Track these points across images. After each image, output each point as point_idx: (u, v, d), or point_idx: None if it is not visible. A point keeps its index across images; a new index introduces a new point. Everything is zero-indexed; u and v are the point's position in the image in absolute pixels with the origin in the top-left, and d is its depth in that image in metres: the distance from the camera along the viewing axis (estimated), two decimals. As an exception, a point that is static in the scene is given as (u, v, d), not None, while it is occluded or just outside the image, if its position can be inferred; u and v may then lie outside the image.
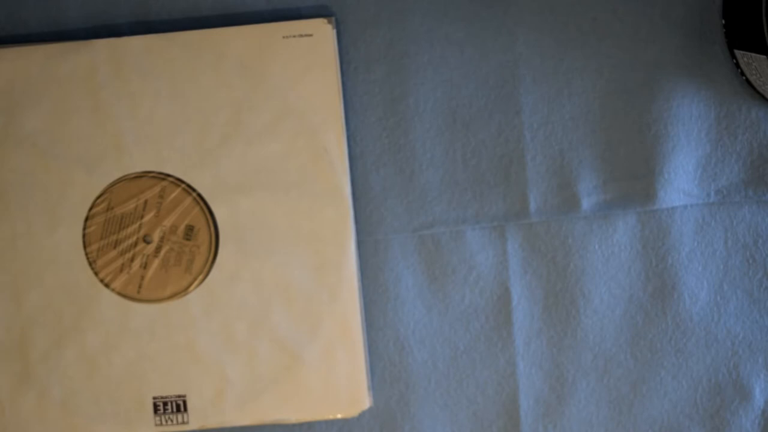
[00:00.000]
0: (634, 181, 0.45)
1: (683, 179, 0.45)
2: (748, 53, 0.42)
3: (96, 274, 0.44)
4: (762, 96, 0.44)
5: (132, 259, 0.44)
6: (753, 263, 0.46)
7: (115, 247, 0.44)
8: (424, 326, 0.46)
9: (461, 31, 0.45)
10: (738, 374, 0.46)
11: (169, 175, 0.44)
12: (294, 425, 0.46)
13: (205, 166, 0.44)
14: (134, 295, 0.44)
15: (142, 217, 0.44)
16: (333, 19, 0.44)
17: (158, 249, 0.44)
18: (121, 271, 0.44)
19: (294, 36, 0.44)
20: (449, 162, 0.45)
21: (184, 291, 0.44)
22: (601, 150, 0.45)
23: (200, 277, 0.44)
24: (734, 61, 0.44)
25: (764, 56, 0.41)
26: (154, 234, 0.44)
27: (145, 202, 0.44)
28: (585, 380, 0.46)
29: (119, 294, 0.44)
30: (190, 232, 0.44)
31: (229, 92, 0.44)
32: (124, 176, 0.44)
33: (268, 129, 0.44)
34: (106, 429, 0.44)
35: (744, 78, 0.44)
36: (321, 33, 0.44)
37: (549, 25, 0.45)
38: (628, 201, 0.45)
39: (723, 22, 0.44)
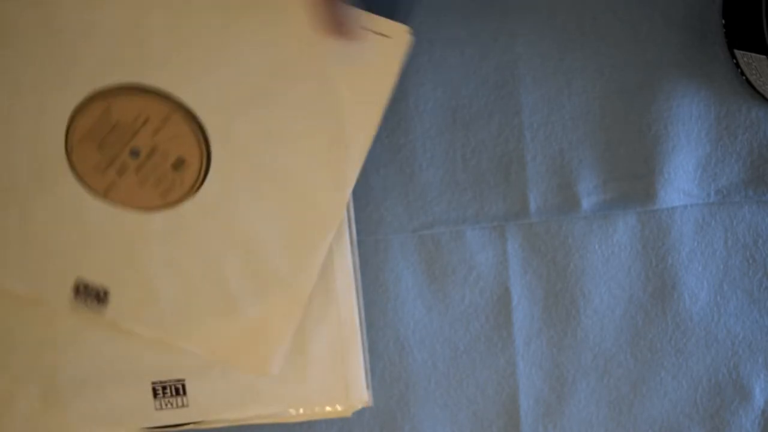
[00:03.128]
0: (634, 181, 0.45)
1: (683, 179, 0.45)
2: (748, 53, 0.42)
3: (68, 155, 0.42)
4: (762, 96, 0.44)
5: (110, 163, 0.43)
6: (753, 263, 0.46)
7: (98, 147, 0.42)
8: (424, 326, 0.46)
9: (461, 31, 0.45)
10: (738, 374, 0.46)
11: (185, 106, 0.43)
12: (294, 425, 0.46)
13: (225, 114, 0.43)
14: (97, 189, 0.43)
15: (137, 131, 0.42)
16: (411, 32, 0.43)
17: (141, 167, 0.43)
18: (95, 168, 0.43)
19: (371, 30, 0.42)
20: (449, 162, 0.45)
21: (149, 209, 0.43)
22: (601, 150, 0.45)
23: (172, 206, 0.43)
24: (734, 61, 0.44)
25: (764, 56, 0.41)
26: (143, 151, 0.43)
27: (147, 119, 0.42)
28: (585, 380, 0.46)
29: (81, 180, 0.43)
30: (180, 164, 0.43)
31: (281, 50, 0.42)
32: (137, 84, 0.42)
33: (300, 99, 0.43)
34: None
35: (744, 78, 0.44)
36: (399, 40, 0.42)
37: (549, 25, 0.45)
38: (628, 201, 0.45)
39: (723, 22, 0.44)
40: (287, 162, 0.43)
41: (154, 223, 0.43)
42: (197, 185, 0.43)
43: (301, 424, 0.46)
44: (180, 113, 0.43)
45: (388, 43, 0.42)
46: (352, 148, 0.43)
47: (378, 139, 0.45)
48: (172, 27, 0.43)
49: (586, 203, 0.45)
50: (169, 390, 0.44)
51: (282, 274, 0.43)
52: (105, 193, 0.43)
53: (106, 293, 0.43)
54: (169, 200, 0.43)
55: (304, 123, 0.43)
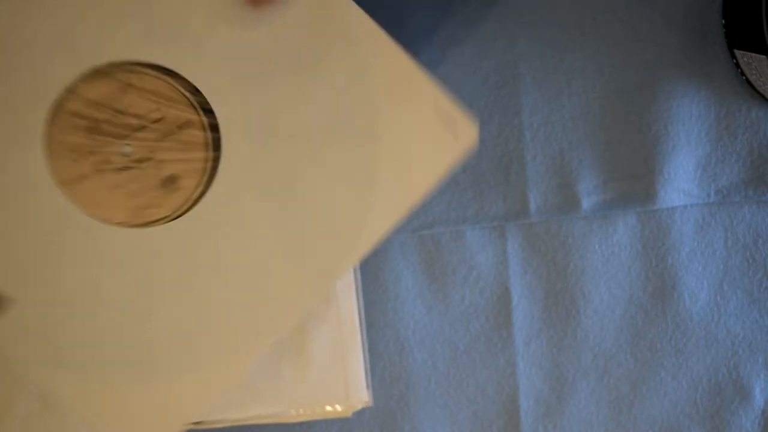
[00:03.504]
0: (634, 181, 0.45)
1: (683, 179, 0.45)
2: (748, 53, 0.42)
3: (48, 125, 0.35)
4: (762, 96, 0.44)
5: (91, 153, 0.35)
6: (753, 263, 0.46)
7: (87, 128, 0.35)
8: (424, 326, 0.46)
9: (461, 31, 0.45)
10: (738, 374, 0.46)
11: (211, 119, 0.35)
12: (294, 425, 0.46)
13: (252, 147, 0.36)
14: (61, 175, 0.35)
15: (142, 128, 0.35)
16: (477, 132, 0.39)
17: (124, 169, 0.35)
18: (72, 150, 0.35)
19: (439, 114, 0.37)
20: (449, 162, 0.45)
21: (107, 221, 0.36)
22: (601, 150, 0.45)
23: (135, 227, 0.36)
24: (734, 61, 0.44)
25: (764, 56, 0.41)
26: (136, 153, 0.35)
27: (160, 119, 0.35)
28: (585, 380, 0.46)
29: (48, 158, 0.35)
30: (171, 183, 0.35)
31: (336, 102, 0.36)
32: (167, 67, 0.35)
33: (336, 161, 0.37)
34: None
35: (744, 78, 0.44)
36: (462, 139, 0.37)
37: (549, 25, 0.45)
38: (628, 201, 0.45)
39: (723, 22, 0.44)
40: (291, 225, 0.37)
41: (103, 239, 0.35)
42: (178, 214, 0.36)
43: (301, 424, 0.46)
44: (200, 126, 0.36)
45: (448, 138, 0.37)
46: (370, 230, 0.37)
47: (378, 139, 0.45)
48: (233, 35, 0.35)
49: (586, 203, 0.45)
50: None
51: (221, 350, 0.36)
52: (66, 183, 0.35)
53: (7, 302, 0.35)
54: (136, 219, 0.35)
55: (330, 186, 0.37)
